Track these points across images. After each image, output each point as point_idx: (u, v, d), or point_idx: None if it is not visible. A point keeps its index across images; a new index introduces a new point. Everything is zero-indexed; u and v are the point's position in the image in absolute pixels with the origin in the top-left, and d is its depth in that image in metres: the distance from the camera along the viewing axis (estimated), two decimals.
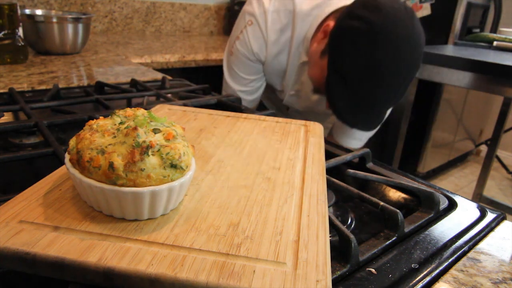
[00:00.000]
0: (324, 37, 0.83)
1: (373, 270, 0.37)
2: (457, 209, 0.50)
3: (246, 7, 1.00)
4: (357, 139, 1.11)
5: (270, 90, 1.16)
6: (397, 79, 0.75)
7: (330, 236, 0.34)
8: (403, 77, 0.76)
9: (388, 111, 1.06)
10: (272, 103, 1.25)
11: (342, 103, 0.78)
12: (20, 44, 1.10)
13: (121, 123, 0.36)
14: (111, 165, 0.32)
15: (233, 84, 1.07)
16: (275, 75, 1.06)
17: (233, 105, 0.79)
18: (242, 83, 1.06)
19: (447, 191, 0.54)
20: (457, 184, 2.80)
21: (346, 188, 0.49)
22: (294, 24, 0.95)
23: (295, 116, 1.24)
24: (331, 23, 0.82)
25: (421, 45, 0.77)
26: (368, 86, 0.75)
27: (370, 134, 1.14)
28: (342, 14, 0.80)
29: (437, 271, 0.38)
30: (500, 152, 2.99)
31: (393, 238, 0.43)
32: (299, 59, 0.98)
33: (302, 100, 1.08)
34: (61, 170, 0.41)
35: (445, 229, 0.46)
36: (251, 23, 0.98)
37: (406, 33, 0.74)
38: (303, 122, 0.62)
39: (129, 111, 0.38)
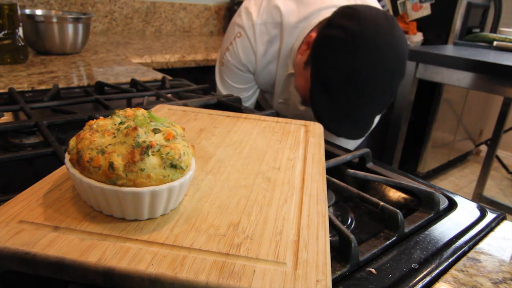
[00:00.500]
0: (307, 48, 0.84)
1: (373, 270, 0.37)
2: (457, 209, 0.50)
3: (235, 19, 1.01)
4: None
5: (263, 94, 1.16)
6: (379, 87, 0.75)
7: (330, 236, 0.34)
8: (386, 85, 0.76)
9: (376, 119, 1.05)
10: (267, 105, 1.25)
11: (326, 113, 0.79)
12: (20, 44, 1.10)
13: (121, 123, 0.36)
14: (111, 165, 0.32)
15: (225, 93, 1.08)
16: (266, 84, 1.07)
17: (233, 105, 0.79)
18: (235, 92, 1.07)
19: (447, 191, 0.54)
20: (457, 184, 2.80)
21: (346, 188, 0.49)
22: (281, 36, 0.96)
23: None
24: (313, 34, 0.82)
25: (402, 52, 0.76)
26: (350, 94, 0.75)
27: (356, 143, 1.14)
28: (323, 24, 0.81)
29: (437, 271, 0.38)
30: (500, 152, 2.99)
31: (393, 238, 0.43)
32: (286, 71, 0.99)
33: (291, 109, 1.09)
34: (61, 170, 0.41)
35: (445, 229, 0.46)
36: (240, 35, 0.99)
37: (386, 40, 0.74)
38: (303, 122, 0.62)
39: (129, 111, 0.38)
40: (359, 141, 1.16)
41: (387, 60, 0.74)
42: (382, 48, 0.73)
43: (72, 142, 0.36)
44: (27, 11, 1.36)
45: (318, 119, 0.80)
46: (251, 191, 0.40)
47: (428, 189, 0.50)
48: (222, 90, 1.09)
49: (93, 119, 0.40)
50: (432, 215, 0.48)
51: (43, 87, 0.90)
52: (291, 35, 0.94)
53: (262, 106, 1.27)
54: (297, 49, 0.92)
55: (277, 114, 1.16)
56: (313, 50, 0.80)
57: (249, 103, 1.11)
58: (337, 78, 0.75)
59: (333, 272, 0.36)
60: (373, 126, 1.09)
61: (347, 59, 0.73)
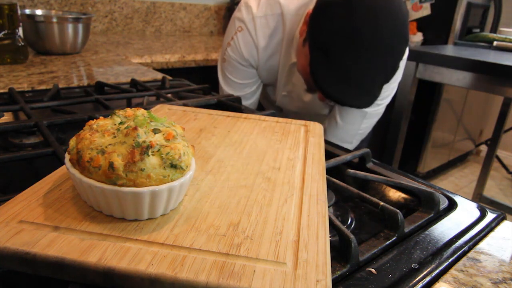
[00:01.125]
0: (306, 27, 0.84)
1: (373, 270, 0.37)
2: (457, 209, 0.50)
3: (236, 14, 1.02)
4: (347, 142, 1.10)
5: (264, 92, 1.16)
6: (379, 50, 0.75)
7: (330, 236, 0.34)
8: (386, 48, 0.75)
9: (390, 97, 1.04)
10: (269, 104, 1.25)
11: (327, 80, 0.78)
12: (20, 44, 1.10)
13: (121, 123, 0.36)
14: (111, 165, 0.32)
15: (228, 89, 1.08)
16: (269, 78, 1.07)
17: (233, 105, 0.79)
18: (237, 89, 1.07)
19: (447, 191, 0.54)
20: (457, 184, 2.80)
21: (346, 188, 0.49)
22: (283, 26, 0.96)
23: (290, 117, 1.24)
24: (310, 11, 0.82)
25: (401, 14, 0.76)
26: (350, 57, 0.75)
27: (361, 136, 1.13)
28: None
29: (437, 271, 0.38)
30: (500, 152, 2.99)
31: (393, 238, 0.43)
32: (289, 60, 0.99)
33: (295, 101, 1.08)
34: (61, 170, 0.41)
35: (445, 229, 0.46)
36: (241, 29, 0.99)
37: (384, 3, 0.74)
38: (303, 122, 0.62)
39: (129, 111, 0.38)
40: (362, 138, 1.15)
41: (385, 22, 0.73)
42: (379, 7, 0.73)
43: (72, 142, 0.36)
44: (27, 11, 1.36)
45: (321, 89, 0.79)
46: (251, 191, 0.40)
47: (428, 189, 0.50)
48: (224, 87, 1.09)
49: (93, 119, 0.40)
50: (432, 215, 0.48)
51: (43, 87, 0.90)
52: (292, 23, 0.95)
53: (262, 105, 1.27)
54: (299, 35, 0.92)
55: (280, 110, 1.16)
56: (310, 20, 0.79)
57: (252, 99, 1.11)
58: (336, 41, 0.75)
59: (333, 272, 0.36)
60: (379, 115, 1.08)
61: (344, 22, 0.73)
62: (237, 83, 1.06)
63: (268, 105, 1.26)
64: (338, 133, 1.08)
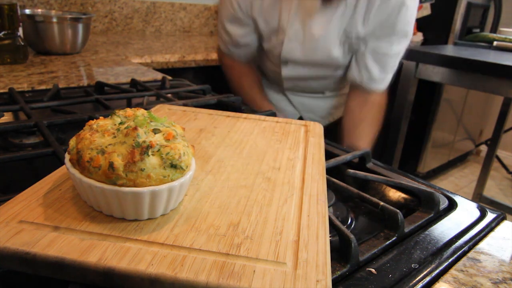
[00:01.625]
0: None
1: (373, 270, 0.37)
2: (457, 209, 0.50)
3: None
4: (381, 80, 1.07)
5: (263, 64, 1.16)
6: None
7: (330, 236, 0.34)
8: None
9: (410, 33, 1.02)
10: (272, 78, 1.24)
11: None
12: (20, 44, 1.10)
13: (121, 123, 0.36)
14: (111, 165, 0.32)
15: (226, 38, 1.12)
16: (269, 23, 1.08)
17: (233, 105, 0.79)
18: (230, 36, 1.11)
19: (447, 191, 0.54)
20: (457, 184, 2.80)
21: (346, 188, 0.49)
22: None
23: (293, 116, 1.24)
24: None
25: None
26: None
27: (392, 70, 1.09)
28: None
29: (437, 271, 0.38)
30: (500, 152, 2.99)
31: (393, 238, 0.43)
32: None
33: (302, 43, 1.06)
34: (61, 170, 0.41)
35: (445, 229, 0.46)
36: None
37: None
38: (303, 122, 0.62)
39: (129, 111, 0.38)
40: (394, 70, 1.13)
41: None
42: None
43: (72, 142, 0.36)
44: (27, 11, 1.36)
45: None
46: (251, 191, 0.40)
47: (428, 189, 0.50)
48: (221, 32, 1.14)
49: (93, 119, 0.40)
50: (432, 215, 0.48)
51: (43, 87, 0.90)
52: None
53: (265, 78, 1.26)
54: None
55: (286, 63, 1.14)
56: None
57: (245, 51, 1.13)
58: None
59: (333, 272, 0.36)
60: (403, 51, 1.05)
61: None
62: (230, 30, 1.10)
63: (271, 78, 1.24)
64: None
